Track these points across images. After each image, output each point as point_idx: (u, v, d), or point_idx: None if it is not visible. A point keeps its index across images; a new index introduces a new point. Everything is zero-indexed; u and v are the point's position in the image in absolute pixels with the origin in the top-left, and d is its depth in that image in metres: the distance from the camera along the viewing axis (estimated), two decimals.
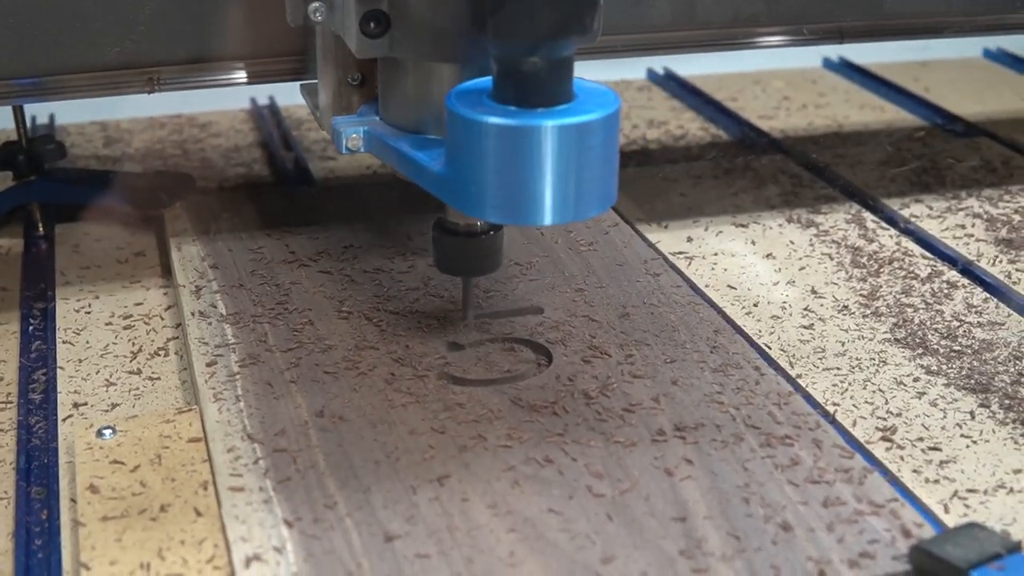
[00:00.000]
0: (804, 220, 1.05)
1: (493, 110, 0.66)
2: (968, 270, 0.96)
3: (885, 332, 0.87)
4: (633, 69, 1.52)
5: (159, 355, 0.84)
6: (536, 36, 0.63)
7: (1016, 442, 0.74)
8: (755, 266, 0.97)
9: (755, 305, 0.91)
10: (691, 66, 1.51)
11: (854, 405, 0.78)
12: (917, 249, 0.99)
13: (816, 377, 0.81)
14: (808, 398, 0.78)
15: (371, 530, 0.63)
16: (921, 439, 0.75)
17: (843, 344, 0.85)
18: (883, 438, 0.75)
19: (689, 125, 1.35)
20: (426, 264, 0.90)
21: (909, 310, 0.90)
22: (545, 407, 0.73)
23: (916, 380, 0.81)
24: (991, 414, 0.77)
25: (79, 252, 1.00)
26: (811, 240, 1.01)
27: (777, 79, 1.52)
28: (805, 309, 0.90)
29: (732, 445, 0.70)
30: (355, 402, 0.73)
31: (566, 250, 0.93)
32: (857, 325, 0.88)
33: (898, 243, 1.00)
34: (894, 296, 0.92)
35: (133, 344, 0.86)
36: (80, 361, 0.84)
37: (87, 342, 0.86)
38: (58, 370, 0.82)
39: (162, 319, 0.89)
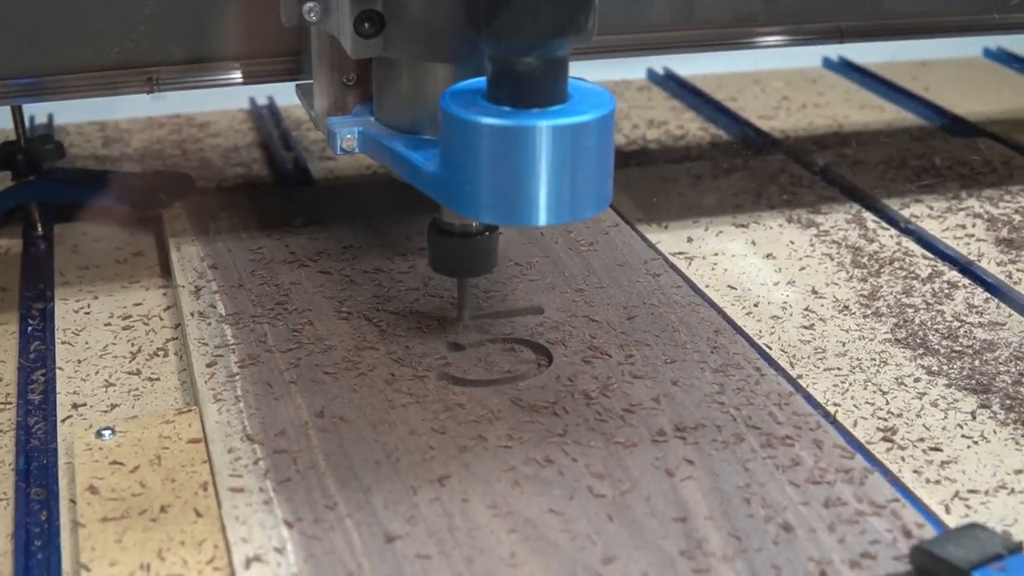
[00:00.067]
0: (804, 220, 1.05)
1: (487, 110, 0.66)
2: (969, 270, 0.96)
3: (886, 332, 0.86)
4: (633, 69, 1.52)
5: (158, 356, 0.84)
6: (531, 36, 0.63)
7: (1017, 442, 0.74)
8: (755, 266, 0.97)
9: (755, 305, 0.91)
10: (691, 66, 1.51)
11: (855, 405, 0.78)
12: (918, 249, 0.99)
13: (817, 377, 0.81)
14: (809, 398, 0.78)
15: (372, 531, 0.62)
16: (922, 439, 0.75)
17: (844, 344, 0.85)
18: (884, 438, 0.75)
19: (689, 125, 1.35)
20: (426, 264, 0.89)
21: (910, 310, 0.89)
22: (545, 407, 0.73)
23: (917, 380, 0.81)
24: (992, 414, 0.77)
25: (78, 252, 0.99)
26: (811, 240, 1.01)
27: (777, 79, 1.52)
28: (806, 309, 0.90)
29: (733, 445, 0.70)
30: (355, 402, 0.73)
31: (566, 250, 0.93)
32: (858, 325, 0.87)
33: (899, 243, 1.00)
34: (895, 296, 0.91)
35: (132, 344, 0.86)
36: (79, 362, 0.83)
37: (86, 342, 0.86)
38: (57, 371, 0.82)
39: (161, 319, 0.89)
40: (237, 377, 0.76)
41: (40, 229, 1.04)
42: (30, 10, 0.79)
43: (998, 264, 0.97)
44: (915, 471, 0.72)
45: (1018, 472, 0.72)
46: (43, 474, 0.73)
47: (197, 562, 0.62)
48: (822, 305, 0.90)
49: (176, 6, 0.81)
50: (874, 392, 0.79)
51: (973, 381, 0.81)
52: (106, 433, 0.72)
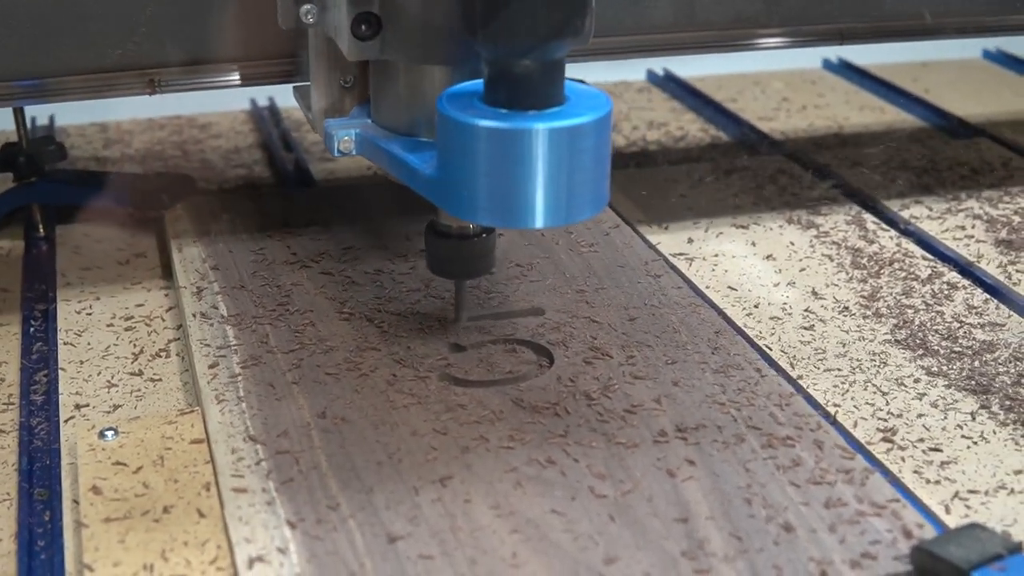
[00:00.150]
0: (804, 221, 1.05)
1: (484, 113, 0.66)
2: (968, 271, 0.96)
3: (886, 333, 0.87)
4: (633, 70, 1.52)
5: (160, 356, 0.84)
6: (528, 39, 0.63)
7: (1017, 443, 0.74)
8: (756, 267, 0.97)
9: (756, 306, 0.91)
10: (691, 67, 1.51)
11: (855, 406, 0.78)
12: (917, 250, 0.99)
13: (817, 378, 0.81)
14: (809, 399, 0.78)
15: (374, 531, 0.63)
16: (922, 440, 0.75)
17: (844, 345, 0.85)
18: (884, 439, 0.75)
19: (689, 126, 1.36)
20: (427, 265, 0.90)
21: (909, 311, 0.90)
22: (547, 408, 0.73)
23: (917, 381, 0.81)
24: (992, 415, 0.77)
25: (80, 253, 1.00)
26: (811, 241, 1.01)
27: (777, 80, 1.52)
28: (806, 310, 0.90)
29: (734, 446, 0.70)
30: (357, 403, 0.74)
31: (567, 251, 0.93)
32: (858, 326, 0.88)
33: (898, 244, 1.00)
34: (894, 297, 0.92)
35: (134, 345, 0.86)
36: (81, 362, 0.84)
37: (88, 343, 0.86)
38: (59, 371, 0.82)
39: (163, 320, 0.89)
40: (239, 378, 0.76)
41: (42, 230, 1.04)
42: (32, 12, 0.79)
43: (997, 265, 0.98)
44: (915, 471, 0.72)
45: (1018, 472, 0.72)
46: (46, 475, 0.73)
47: (200, 562, 0.62)
48: (822, 306, 0.91)
49: (178, 8, 0.81)
50: (874, 393, 0.80)
51: (973, 382, 0.81)
52: (109, 434, 0.72)
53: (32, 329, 0.89)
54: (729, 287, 0.94)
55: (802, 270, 0.96)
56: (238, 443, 0.70)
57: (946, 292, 0.92)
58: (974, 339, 0.86)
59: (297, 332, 0.81)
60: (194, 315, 0.84)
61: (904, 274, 0.95)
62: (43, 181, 1.04)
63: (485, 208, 0.67)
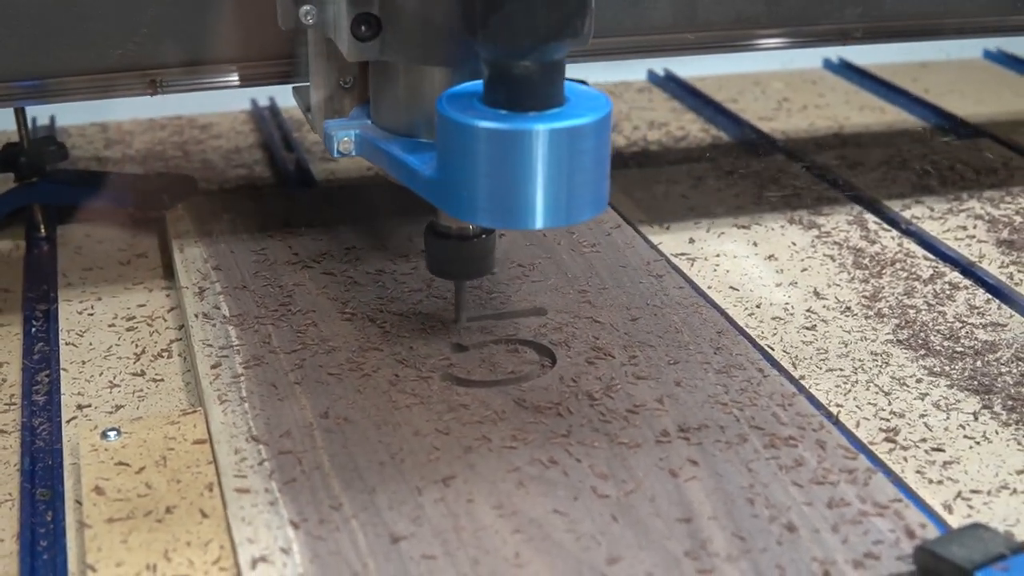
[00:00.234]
0: (806, 221, 1.05)
1: (484, 114, 0.66)
2: (970, 271, 0.96)
3: (888, 333, 0.87)
4: (633, 70, 1.52)
5: (162, 357, 0.84)
6: (527, 39, 0.63)
7: (1019, 443, 0.74)
8: (757, 267, 0.97)
9: (757, 306, 0.91)
10: (691, 67, 1.51)
11: (857, 406, 0.78)
12: (919, 250, 0.99)
13: (819, 378, 0.81)
14: (811, 399, 0.78)
15: (377, 531, 0.63)
16: (924, 440, 0.75)
17: (846, 345, 0.85)
18: (886, 439, 0.75)
19: (690, 127, 1.36)
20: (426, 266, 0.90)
21: (911, 311, 0.90)
22: (549, 408, 0.73)
23: (919, 381, 0.81)
24: (994, 415, 0.77)
25: (81, 254, 1.00)
26: (813, 241, 1.01)
27: (777, 80, 1.52)
28: (808, 310, 0.90)
29: (736, 446, 0.70)
30: (359, 403, 0.74)
31: (569, 252, 0.93)
32: (860, 326, 0.88)
33: (900, 244, 1.00)
34: (896, 297, 0.92)
35: (136, 346, 0.86)
36: (83, 363, 0.84)
37: (90, 344, 0.86)
38: (61, 372, 0.82)
39: (165, 321, 0.89)
40: (242, 378, 0.76)
41: (43, 230, 1.04)
42: (32, 12, 0.79)
43: (999, 265, 0.98)
44: (918, 471, 0.72)
45: (1020, 472, 0.72)
46: (48, 475, 0.73)
47: (203, 562, 0.62)
48: (824, 306, 0.91)
49: (179, 9, 0.81)
50: (876, 393, 0.80)
51: (975, 382, 0.81)
52: (111, 434, 0.72)
53: (34, 329, 0.89)
54: (731, 287, 0.94)
55: (804, 270, 0.96)
56: (241, 443, 0.70)
57: (948, 292, 0.92)
58: (976, 339, 0.86)
59: (299, 332, 0.81)
60: (196, 315, 0.84)
61: (906, 274, 0.95)
62: (44, 181, 1.04)
63: (485, 209, 0.67)
